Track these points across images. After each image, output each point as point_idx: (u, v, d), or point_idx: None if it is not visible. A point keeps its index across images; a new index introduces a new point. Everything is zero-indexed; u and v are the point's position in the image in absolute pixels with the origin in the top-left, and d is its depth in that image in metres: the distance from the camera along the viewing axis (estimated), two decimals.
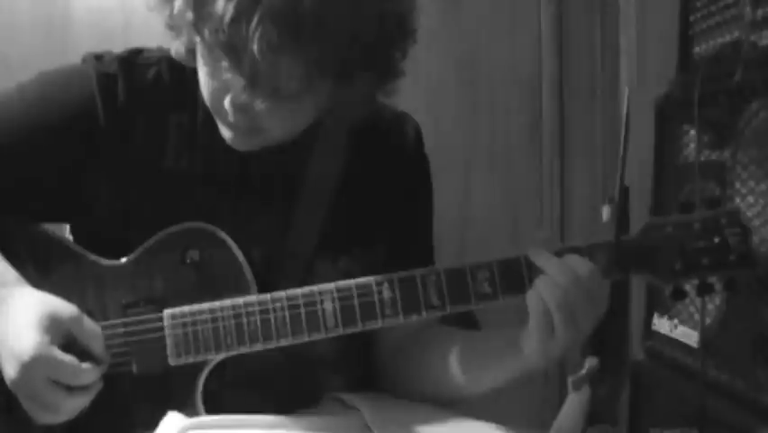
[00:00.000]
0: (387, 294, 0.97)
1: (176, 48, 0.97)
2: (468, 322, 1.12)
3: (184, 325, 0.98)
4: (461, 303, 0.97)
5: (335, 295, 0.97)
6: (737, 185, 1.24)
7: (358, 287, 0.97)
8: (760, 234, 1.15)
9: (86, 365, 0.93)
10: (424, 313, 0.97)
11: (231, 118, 0.93)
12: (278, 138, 0.97)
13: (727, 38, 1.32)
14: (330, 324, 0.97)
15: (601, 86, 2.12)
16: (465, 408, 1.07)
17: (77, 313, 0.95)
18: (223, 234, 1.01)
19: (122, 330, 0.99)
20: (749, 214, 1.18)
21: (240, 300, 0.98)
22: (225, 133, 0.97)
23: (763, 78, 1.17)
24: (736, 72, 1.22)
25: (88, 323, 0.96)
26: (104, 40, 1.71)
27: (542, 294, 0.91)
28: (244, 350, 0.98)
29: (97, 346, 0.96)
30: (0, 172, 1.02)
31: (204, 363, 0.99)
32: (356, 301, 0.97)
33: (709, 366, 1.26)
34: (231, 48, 0.84)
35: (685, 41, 1.45)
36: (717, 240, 0.95)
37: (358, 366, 1.15)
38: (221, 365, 1.00)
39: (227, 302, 0.98)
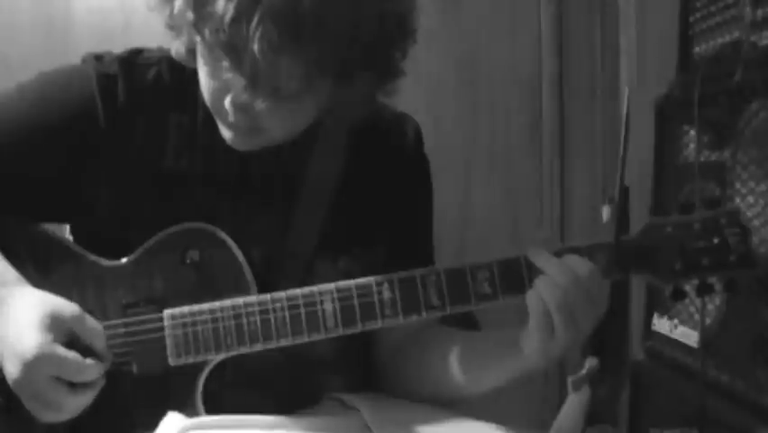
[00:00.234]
0: (387, 294, 0.97)
1: (176, 48, 0.97)
2: (468, 322, 1.13)
3: (184, 325, 0.98)
4: (461, 303, 0.97)
5: (335, 295, 0.97)
6: (737, 185, 1.24)
7: (358, 287, 0.97)
8: (760, 235, 1.15)
9: (89, 362, 0.93)
10: (424, 313, 0.97)
11: (231, 118, 0.93)
12: (278, 138, 0.97)
13: (727, 38, 1.32)
14: (330, 324, 0.97)
15: (601, 86, 2.12)
16: (465, 408, 1.07)
17: (79, 311, 0.96)
18: (223, 235, 1.01)
19: (122, 330, 0.99)
20: (749, 214, 1.18)
21: (240, 301, 0.98)
22: (225, 133, 0.97)
23: (763, 78, 1.17)
24: (736, 72, 1.22)
25: (90, 321, 0.96)
26: (104, 40, 1.71)
27: (542, 294, 0.91)
28: (244, 350, 0.98)
29: (99, 343, 0.96)
30: (0, 172, 1.02)
31: (204, 364, 0.99)
32: (356, 302, 0.97)
33: (709, 366, 1.26)
34: (231, 48, 0.84)
35: (685, 41, 1.45)
36: (716, 240, 0.95)
37: (358, 367, 1.15)
38: (221, 366, 1.00)
39: (227, 302, 0.98)
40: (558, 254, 0.95)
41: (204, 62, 0.93)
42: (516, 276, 0.96)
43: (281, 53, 0.82)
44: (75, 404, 0.93)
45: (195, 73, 0.96)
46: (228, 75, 0.87)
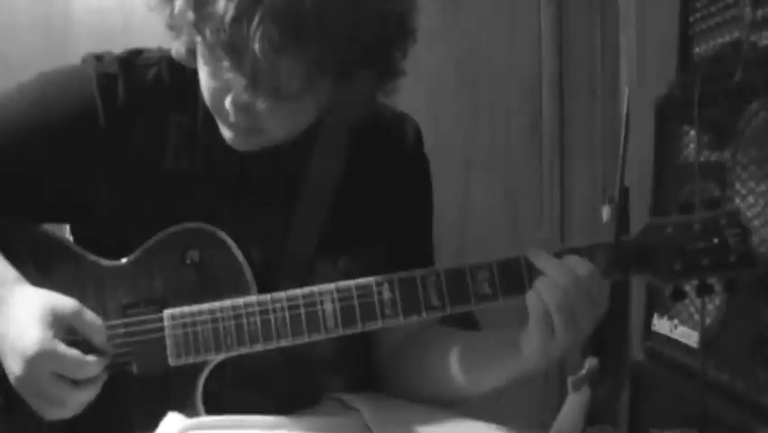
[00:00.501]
0: (387, 295, 0.97)
1: (176, 48, 0.97)
2: (468, 322, 1.13)
3: (184, 325, 0.98)
4: (460, 304, 0.97)
5: (335, 296, 0.97)
6: (737, 185, 1.23)
7: (358, 287, 0.97)
8: (760, 235, 1.15)
9: (90, 357, 0.94)
10: (424, 314, 0.97)
11: (232, 118, 0.93)
12: (278, 138, 0.97)
13: (727, 38, 1.32)
14: (330, 324, 0.97)
15: (601, 86, 2.11)
16: (465, 408, 1.07)
17: (78, 307, 0.96)
18: (223, 235, 1.01)
19: (122, 331, 0.99)
20: (749, 214, 1.18)
21: (240, 301, 0.98)
22: (226, 133, 0.97)
23: (763, 78, 1.17)
24: (736, 72, 1.22)
25: (90, 316, 0.97)
26: (104, 40, 1.71)
27: (542, 295, 0.91)
28: (244, 350, 0.98)
29: (100, 339, 0.97)
30: (0, 172, 1.02)
31: (204, 364, 0.99)
32: (356, 302, 0.97)
33: (709, 366, 1.26)
34: (232, 47, 0.84)
35: (685, 41, 1.45)
36: (716, 241, 0.95)
37: (358, 367, 1.15)
38: (221, 366, 1.00)
39: (227, 303, 0.98)
40: (558, 255, 0.95)
41: (204, 62, 0.93)
42: (516, 276, 0.96)
43: (282, 53, 0.82)
44: (78, 400, 0.94)
45: (195, 73, 0.96)
46: (229, 75, 0.87)
